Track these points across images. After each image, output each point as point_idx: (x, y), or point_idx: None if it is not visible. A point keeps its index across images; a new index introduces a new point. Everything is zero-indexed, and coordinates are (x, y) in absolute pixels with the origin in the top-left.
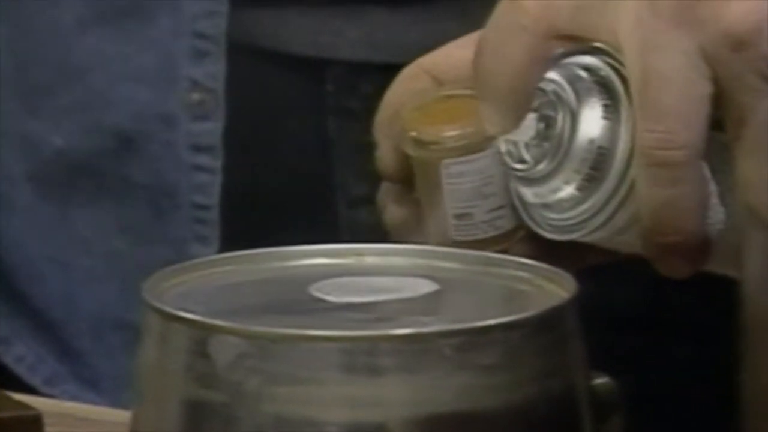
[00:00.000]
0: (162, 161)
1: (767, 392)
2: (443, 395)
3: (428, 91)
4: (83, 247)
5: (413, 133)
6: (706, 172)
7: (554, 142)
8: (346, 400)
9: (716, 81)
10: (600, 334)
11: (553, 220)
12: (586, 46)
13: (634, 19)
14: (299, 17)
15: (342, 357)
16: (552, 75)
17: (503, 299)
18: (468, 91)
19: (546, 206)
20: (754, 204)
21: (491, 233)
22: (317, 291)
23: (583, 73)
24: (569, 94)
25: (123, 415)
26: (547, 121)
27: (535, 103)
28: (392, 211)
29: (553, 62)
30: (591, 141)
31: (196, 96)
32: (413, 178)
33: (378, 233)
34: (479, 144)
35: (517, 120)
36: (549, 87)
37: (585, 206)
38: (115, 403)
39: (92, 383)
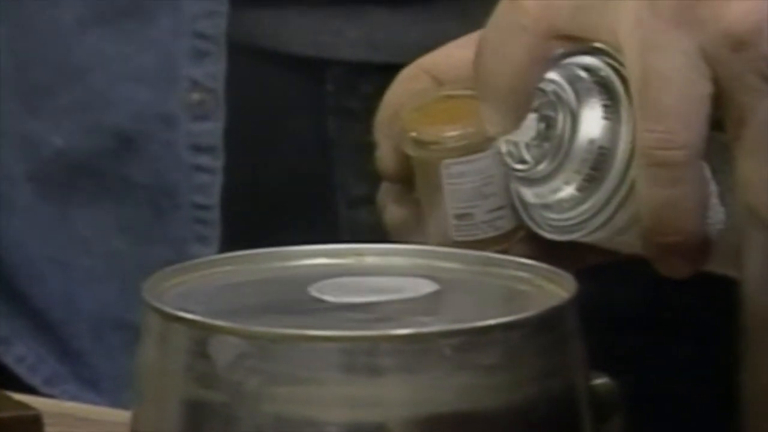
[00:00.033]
0: (162, 161)
1: (767, 392)
2: (443, 395)
3: (428, 91)
4: (83, 247)
5: (413, 134)
6: (706, 172)
7: (554, 142)
8: (346, 400)
9: (716, 81)
10: (600, 334)
11: (553, 220)
12: (586, 47)
13: (634, 19)
14: (299, 17)
15: (342, 357)
16: (552, 75)
17: (503, 299)
18: (468, 92)
19: (546, 206)
20: (754, 204)
21: (491, 233)
22: (317, 291)
23: (583, 74)
24: (569, 94)
25: (123, 415)
26: (548, 122)
27: (536, 104)
28: (392, 211)
29: (553, 62)
30: (591, 141)
31: (196, 96)
32: (413, 178)
33: (378, 233)
34: (479, 144)
35: (517, 120)
36: (549, 87)
37: (585, 206)
38: (115, 403)
39: (92, 383)
